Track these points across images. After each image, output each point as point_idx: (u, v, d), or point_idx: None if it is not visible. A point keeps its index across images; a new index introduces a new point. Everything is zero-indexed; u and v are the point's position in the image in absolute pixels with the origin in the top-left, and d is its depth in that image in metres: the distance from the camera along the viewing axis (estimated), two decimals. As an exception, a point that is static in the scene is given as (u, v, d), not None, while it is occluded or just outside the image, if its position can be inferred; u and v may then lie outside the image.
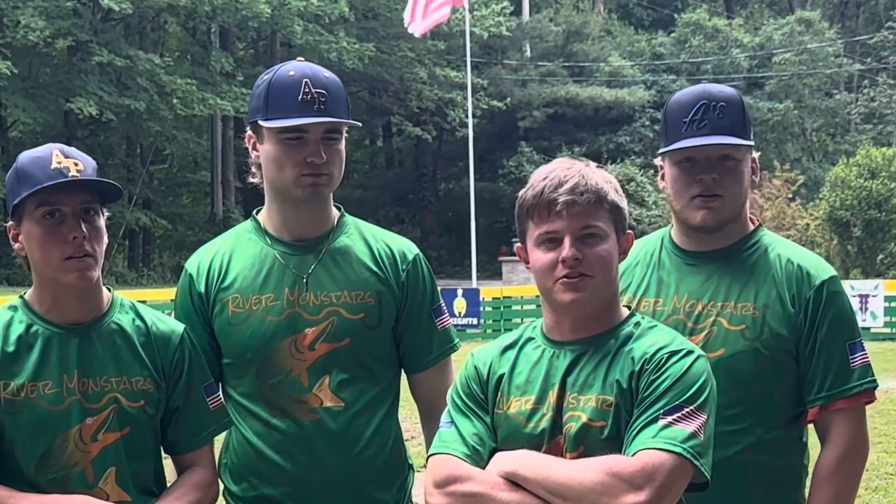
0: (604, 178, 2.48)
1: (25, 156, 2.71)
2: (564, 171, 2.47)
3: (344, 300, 2.95)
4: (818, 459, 2.85)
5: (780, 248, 2.96)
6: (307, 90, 2.86)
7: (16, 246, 2.71)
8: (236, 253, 3.04)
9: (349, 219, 3.09)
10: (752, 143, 2.91)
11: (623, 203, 2.50)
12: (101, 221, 2.71)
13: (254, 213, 3.12)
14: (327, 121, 2.87)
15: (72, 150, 2.71)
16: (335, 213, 3.07)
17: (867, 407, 2.93)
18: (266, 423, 2.95)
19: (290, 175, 2.89)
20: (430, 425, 3.11)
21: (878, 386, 2.91)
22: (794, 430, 2.91)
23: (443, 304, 3.15)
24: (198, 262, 3.07)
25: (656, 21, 50.28)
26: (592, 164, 2.52)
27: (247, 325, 2.95)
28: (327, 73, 2.94)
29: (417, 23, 26.26)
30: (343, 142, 2.96)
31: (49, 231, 2.64)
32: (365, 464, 2.95)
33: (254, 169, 3.01)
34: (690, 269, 2.97)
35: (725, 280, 2.90)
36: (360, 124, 3.03)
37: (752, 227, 3.00)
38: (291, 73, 2.90)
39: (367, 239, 3.06)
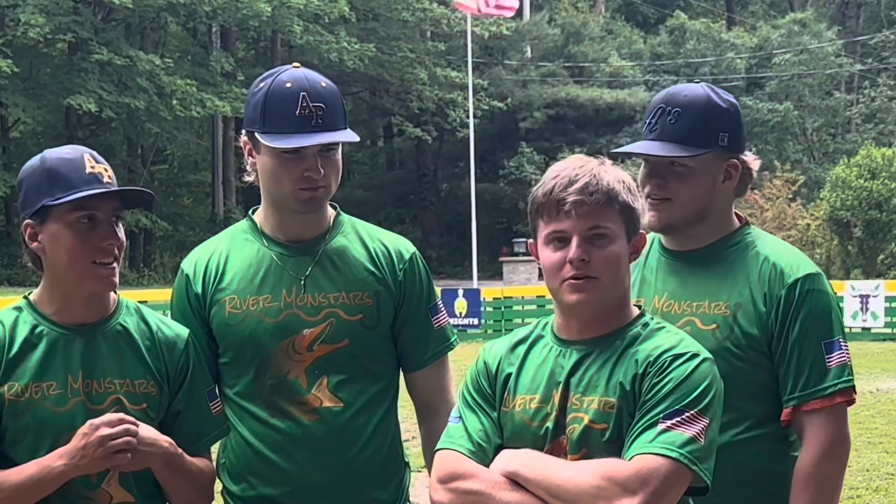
0: (617, 178, 2.45)
1: (54, 155, 2.69)
2: (576, 170, 2.44)
3: (342, 301, 2.94)
4: (797, 462, 2.80)
5: (762, 246, 2.92)
6: (305, 104, 2.83)
7: (33, 245, 2.68)
8: (233, 253, 3.02)
9: (345, 217, 3.08)
10: (697, 152, 2.85)
11: (636, 203, 2.48)
12: (122, 228, 2.73)
13: (249, 212, 3.11)
14: (329, 140, 2.85)
15: (95, 153, 2.71)
16: (331, 212, 3.06)
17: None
18: (265, 423, 2.94)
19: (288, 189, 2.88)
20: (426, 423, 3.11)
21: (854, 385, 2.84)
22: (773, 429, 2.86)
23: (439, 303, 3.13)
24: (194, 263, 3.05)
25: (660, 20, 50.26)
26: (608, 163, 2.50)
27: (244, 326, 2.94)
28: (324, 83, 2.90)
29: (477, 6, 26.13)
30: (340, 150, 2.95)
31: (82, 236, 2.63)
32: (364, 463, 2.95)
33: (248, 168, 3.00)
34: (672, 268, 2.97)
35: (703, 280, 2.89)
36: (359, 138, 2.98)
37: (736, 226, 2.98)
38: (288, 84, 2.86)
39: (363, 238, 3.04)
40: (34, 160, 2.71)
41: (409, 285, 3.03)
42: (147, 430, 2.65)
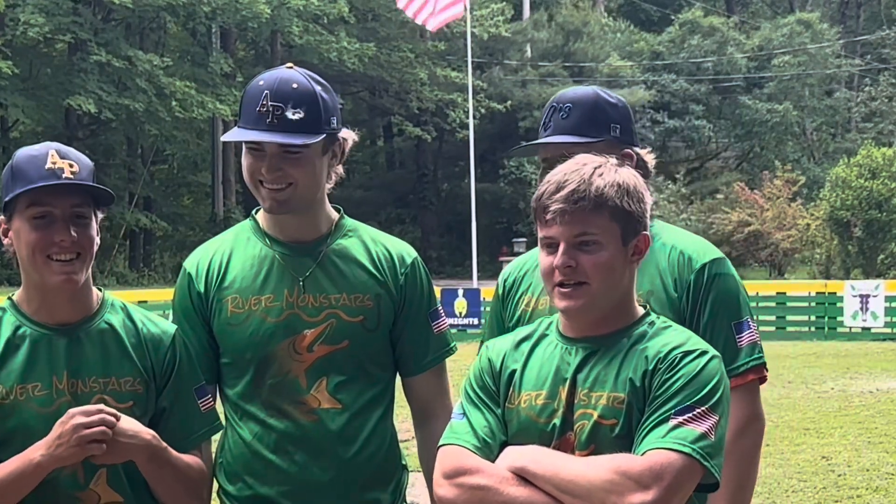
0: (613, 182, 2.43)
1: (22, 152, 2.70)
2: (568, 175, 2.44)
3: (343, 302, 2.95)
4: None
5: (666, 236, 3.02)
6: (264, 102, 2.83)
7: (6, 241, 2.70)
8: (236, 253, 3.03)
9: (348, 221, 3.08)
10: (591, 140, 2.93)
11: (634, 206, 2.46)
12: (93, 224, 2.68)
13: (253, 212, 3.11)
14: (266, 139, 2.82)
15: (69, 150, 2.69)
16: (333, 215, 3.06)
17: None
18: (263, 424, 2.94)
19: (251, 184, 2.91)
20: (424, 428, 3.11)
21: (765, 362, 2.97)
22: None
23: (440, 308, 3.14)
24: (197, 262, 3.05)
25: (661, 19, 50.24)
26: (612, 162, 2.49)
27: (246, 326, 2.94)
28: (296, 84, 2.87)
29: (426, 16, 26.00)
30: (312, 154, 2.89)
31: (37, 231, 2.62)
32: (361, 464, 2.95)
33: None
34: None
35: None
36: (305, 144, 2.86)
37: None
38: (261, 82, 2.88)
39: (365, 242, 3.05)
40: (11, 157, 2.72)
41: (410, 290, 3.04)
42: (128, 423, 2.63)
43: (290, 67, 2.96)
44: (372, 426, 2.97)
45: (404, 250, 3.08)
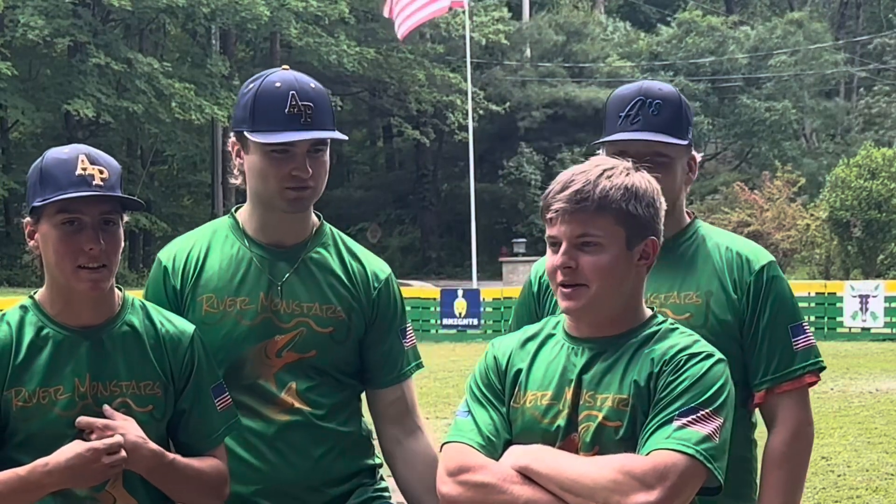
0: (621, 185, 2.41)
1: (51, 155, 2.68)
2: (576, 175, 2.43)
3: (314, 312, 2.96)
4: (767, 444, 2.88)
5: (718, 237, 3.01)
6: (294, 103, 2.84)
7: (31, 243, 2.69)
8: (213, 250, 3.02)
9: (328, 228, 3.08)
10: (685, 142, 2.93)
11: (641, 210, 2.43)
12: (120, 230, 2.69)
13: (233, 210, 3.10)
14: (317, 137, 2.86)
15: (98, 154, 2.68)
16: (314, 220, 3.07)
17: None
18: None
19: (274, 188, 2.89)
20: (403, 446, 3.06)
21: (823, 367, 2.95)
22: (741, 418, 2.87)
23: (409, 327, 3.14)
24: (173, 256, 3.05)
25: (661, 20, 50.25)
26: (625, 165, 2.47)
27: (221, 326, 2.94)
28: (313, 84, 2.92)
29: (399, 22, 26.06)
30: (327, 151, 2.96)
31: (66, 238, 2.61)
32: (333, 462, 2.97)
33: (236, 172, 3.01)
34: None
35: (666, 271, 2.88)
36: (346, 137, 2.99)
37: (687, 220, 3.03)
38: (278, 84, 2.88)
39: (342, 253, 3.05)
40: (39, 159, 2.71)
41: (384, 306, 3.05)
42: (132, 435, 2.63)
43: (287, 69, 2.97)
44: (344, 425, 2.99)
45: (378, 266, 3.09)
